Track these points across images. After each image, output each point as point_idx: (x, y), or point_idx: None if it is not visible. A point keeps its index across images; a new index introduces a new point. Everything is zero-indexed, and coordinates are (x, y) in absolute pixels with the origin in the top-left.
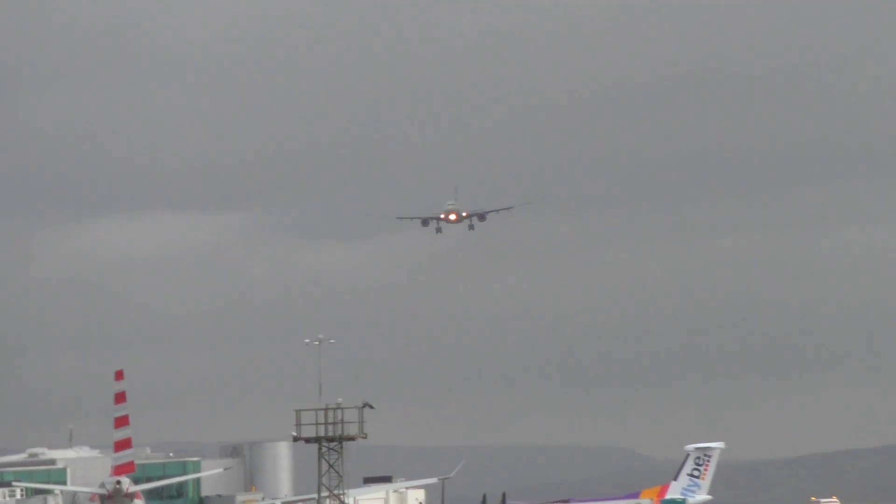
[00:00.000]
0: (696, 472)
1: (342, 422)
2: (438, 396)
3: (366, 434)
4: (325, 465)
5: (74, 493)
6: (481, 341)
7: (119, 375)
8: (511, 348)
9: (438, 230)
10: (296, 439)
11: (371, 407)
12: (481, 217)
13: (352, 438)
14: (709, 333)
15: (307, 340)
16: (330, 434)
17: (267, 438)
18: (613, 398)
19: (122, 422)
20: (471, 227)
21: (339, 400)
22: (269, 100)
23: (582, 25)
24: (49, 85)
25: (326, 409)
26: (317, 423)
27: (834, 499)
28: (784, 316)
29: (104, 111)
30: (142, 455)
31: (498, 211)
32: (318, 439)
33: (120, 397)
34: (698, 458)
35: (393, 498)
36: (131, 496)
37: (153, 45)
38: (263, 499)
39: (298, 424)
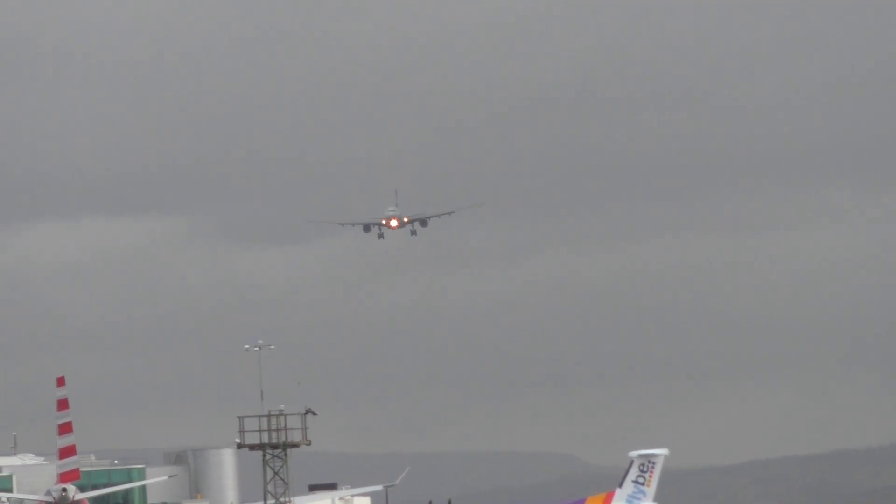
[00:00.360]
0: (640, 479)
1: (286, 428)
2: (382, 402)
3: (310, 441)
4: (269, 473)
5: (21, 501)
6: (424, 346)
7: (61, 382)
8: (454, 353)
9: (380, 236)
10: (240, 446)
11: (314, 413)
12: (423, 222)
13: (296, 445)
14: (650, 337)
15: (247, 346)
16: (274, 441)
17: (211, 445)
18: (556, 403)
19: (65, 429)
20: (413, 232)
21: (282, 406)
22: (203, 103)
23: (517, 26)
24: None
25: (269, 416)
26: (260, 430)
27: None
28: (726, 320)
29: (30, 116)
30: (87, 462)
31: (440, 216)
32: (262, 446)
33: (62, 404)
34: (642, 464)
35: None
36: (77, 503)
37: (76, 48)
38: None
39: (242, 431)
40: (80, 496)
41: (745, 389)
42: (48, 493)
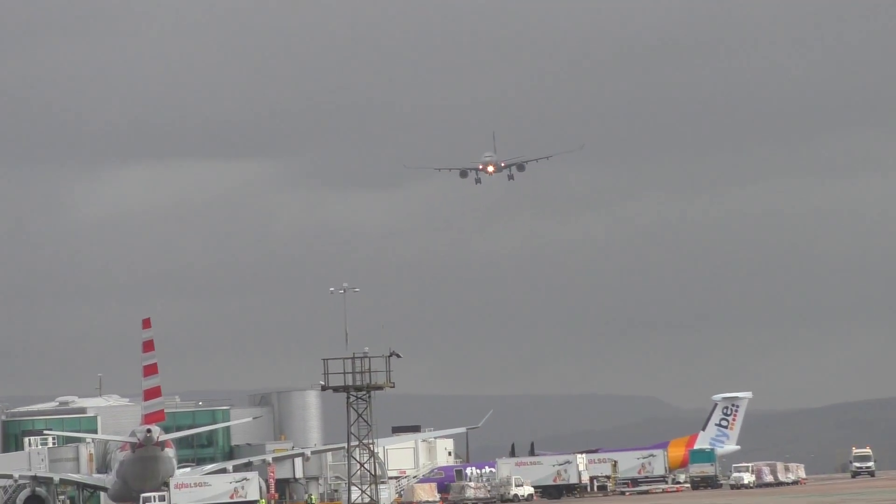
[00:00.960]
0: (724, 423)
1: (370, 371)
2: (466, 346)
3: (393, 383)
4: (353, 415)
5: (106, 442)
6: (511, 290)
7: (146, 324)
8: (540, 297)
9: (478, 181)
10: (324, 388)
11: (398, 356)
12: (520, 167)
13: (379, 387)
14: (736, 282)
15: (332, 289)
16: (358, 383)
17: (295, 387)
18: (640, 347)
19: (150, 370)
20: (510, 177)
21: (366, 349)
22: (300, 49)
23: None
24: (70, 34)
25: (354, 359)
26: (344, 373)
27: (867, 449)
28: (814, 265)
29: (128, 61)
30: (171, 404)
31: (537, 160)
32: (346, 388)
33: (148, 345)
34: (726, 407)
35: (422, 447)
36: (162, 445)
37: None
38: (293, 447)
39: (326, 373)
40: (164, 437)
41: (830, 334)
42: (133, 434)
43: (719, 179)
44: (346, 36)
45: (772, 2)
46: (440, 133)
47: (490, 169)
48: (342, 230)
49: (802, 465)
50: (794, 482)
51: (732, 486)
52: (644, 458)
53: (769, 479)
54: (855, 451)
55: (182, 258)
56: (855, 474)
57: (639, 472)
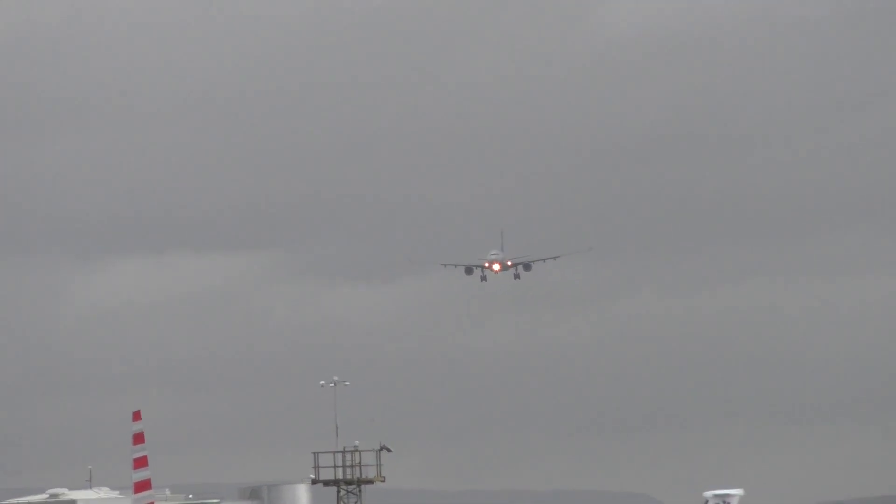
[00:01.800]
0: None
1: (360, 465)
2: (456, 442)
3: (384, 477)
4: None
5: None
6: (502, 385)
7: (137, 416)
8: (531, 392)
9: (483, 278)
10: (314, 482)
11: (388, 450)
12: (527, 266)
13: (370, 481)
14: (728, 380)
15: (322, 382)
16: (348, 477)
17: (285, 481)
18: (632, 445)
19: (140, 462)
20: (516, 276)
21: (357, 443)
22: (298, 142)
23: (617, 68)
24: (69, 125)
25: (344, 452)
26: (335, 466)
27: None
28: (803, 363)
29: (126, 152)
30: (161, 496)
31: (544, 260)
32: (336, 482)
33: (138, 438)
34: None
35: None
36: None
37: (167, 85)
38: None
39: (316, 467)
40: None
41: (819, 433)
42: None
43: (712, 276)
44: (346, 131)
45: (766, 98)
46: (440, 229)
47: (496, 267)
48: (335, 324)
49: None
50: None
51: None
52: None
53: None
54: None
55: (174, 351)
56: None
57: None
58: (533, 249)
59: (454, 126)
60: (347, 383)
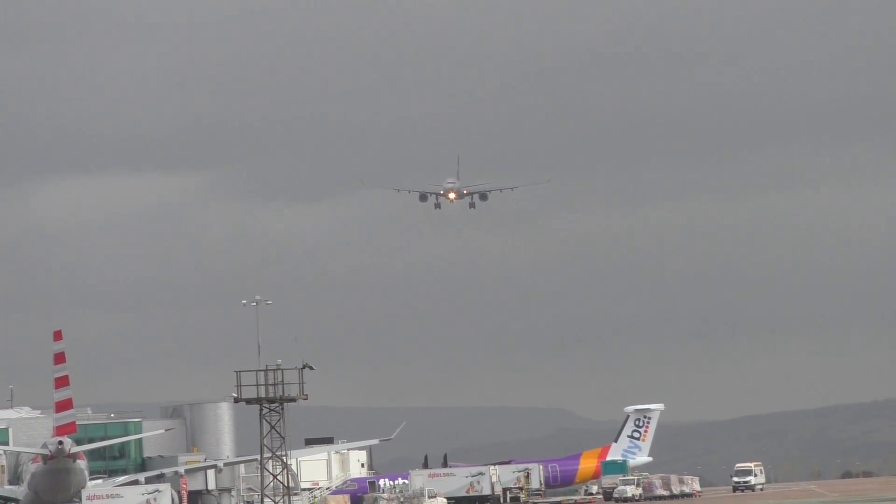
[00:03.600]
0: (636, 434)
1: (282, 383)
2: (382, 359)
3: (306, 395)
4: (266, 427)
5: (17, 454)
6: (424, 304)
7: (58, 336)
8: (453, 310)
9: (437, 206)
10: (237, 400)
11: (311, 368)
12: (483, 196)
13: (292, 399)
14: (649, 296)
15: (244, 302)
16: (271, 395)
17: (208, 399)
18: (553, 360)
19: (62, 382)
20: (472, 205)
21: (279, 361)
22: (244, 61)
23: None
24: (5, 43)
25: (266, 371)
26: (257, 385)
27: (750, 464)
28: (723, 279)
29: (61, 72)
30: (83, 416)
31: (501, 190)
32: (258, 400)
33: (59, 357)
34: (638, 419)
35: (335, 459)
36: (74, 457)
37: (111, 6)
38: (206, 459)
39: (239, 385)
40: (76, 449)
41: (741, 347)
42: (45, 446)
43: (638, 195)
44: (291, 47)
45: (710, 17)
46: (386, 149)
47: (452, 196)
48: (269, 243)
49: (697, 478)
50: (686, 495)
51: (616, 500)
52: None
53: (661, 491)
54: (737, 465)
55: (102, 272)
56: (735, 489)
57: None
58: (487, 176)
59: (406, 45)
60: (269, 302)
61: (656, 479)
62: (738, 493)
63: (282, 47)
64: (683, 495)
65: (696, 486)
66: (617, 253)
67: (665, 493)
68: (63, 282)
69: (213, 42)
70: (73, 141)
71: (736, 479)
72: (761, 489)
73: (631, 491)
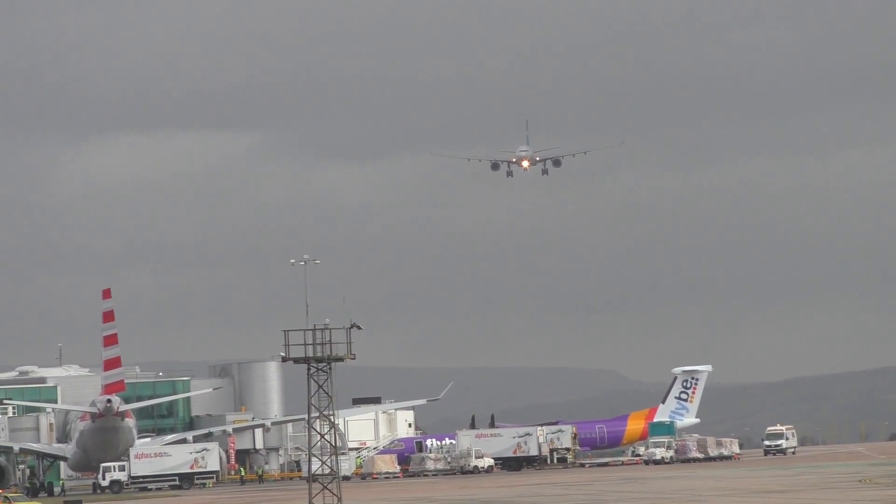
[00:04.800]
0: (683, 395)
1: (331, 342)
2: (430, 320)
3: (354, 355)
4: (314, 386)
5: (66, 412)
6: (474, 264)
7: (106, 294)
8: (502, 271)
9: (510, 174)
10: (284, 360)
11: (358, 328)
12: (556, 162)
13: (340, 359)
14: (698, 258)
15: (293, 261)
16: (318, 354)
17: (256, 359)
18: (601, 321)
19: (110, 341)
20: (544, 171)
21: (327, 321)
22: (302, 17)
23: None
24: (56, 2)
25: (315, 330)
26: (305, 344)
27: (780, 427)
28: (773, 241)
29: (114, 30)
30: (131, 374)
31: (574, 155)
32: (306, 359)
33: (108, 316)
34: (685, 381)
35: (382, 419)
36: (122, 415)
37: None
38: (253, 418)
39: (287, 345)
40: (124, 407)
41: (790, 310)
42: (93, 404)
43: (694, 157)
44: (353, 4)
45: None
46: (436, 109)
47: (525, 164)
48: (322, 202)
49: (737, 440)
50: (725, 457)
51: (645, 462)
52: (553, 433)
53: (695, 454)
54: (768, 429)
55: (152, 230)
56: (766, 452)
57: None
58: (548, 140)
59: (465, 5)
60: (318, 262)
61: (691, 441)
62: (770, 457)
63: (341, 4)
64: (722, 458)
65: (736, 449)
66: (667, 215)
67: (700, 455)
68: (113, 240)
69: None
70: (128, 99)
71: (767, 442)
72: (793, 453)
73: (661, 453)
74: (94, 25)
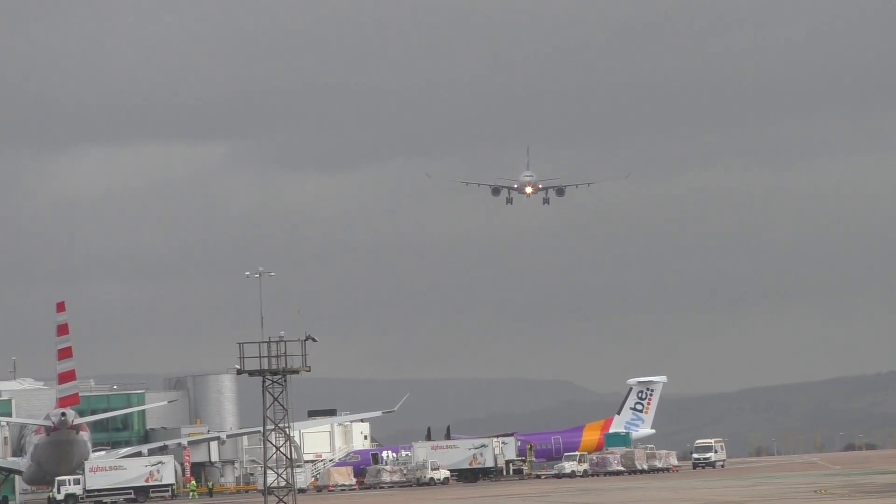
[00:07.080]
0: (639, 406)
1: (285, 354)
2: (383, 331)
3: (309, 367)
4: (269, 398)
5: (21, 425)
6: (429, 276)
7: (60, 307)
8: (456, 283)
9: (509, 201)
10: (239, 372)
11: (313, 340)
12: (560, 191)
13: (295, 371)
14: (653, 268)
15: (247, 273)
16: (273, 367)
17: (211, 371)
18: (556, 332)
19: (65, 354)
20: (545, 200)
21: (282, 333)
22: (279, 26)
23: None
24: (25, 13)
25: (269, 342)
26: (260, 357)
27: (710, 440)
28: (731, 249)
29: (84, 43)
30: (86, 387)
31: (577, 186)
32: (261, 372)
33: (62, 329)
34: (641, 391)
35: (338, 431)
36: (77, 428)
37: None
38: (209, 431)
39: (242, 357)
40: (79, 420)
41: (745, 319)
42: (47, 417)
43: (658, 164)
44: (329, 13)
45: None
46: (407, 117)
47: (529, 190)
48: (290, 214)
49: (674, 452)
50: (658, 470)
51: (557, 476)
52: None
53: (616, 467)
54: (697, 442)
55: (109, 243)
56: (695, 465)
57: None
58: (556, 171)
59: (441, 13)
60: (273, 274)
61: (611, 456)
62: (699, 469)
63: (316, 14)
64: (654, 470)
65: (673, 461)
66: (622, 224)
67: (621, 468)
68: (68, 253)
69: (243, 11)
70: (97, 111)
71: (696, 455)
72: (722, 465)
73: (571, 467)
74: (65, 38)
